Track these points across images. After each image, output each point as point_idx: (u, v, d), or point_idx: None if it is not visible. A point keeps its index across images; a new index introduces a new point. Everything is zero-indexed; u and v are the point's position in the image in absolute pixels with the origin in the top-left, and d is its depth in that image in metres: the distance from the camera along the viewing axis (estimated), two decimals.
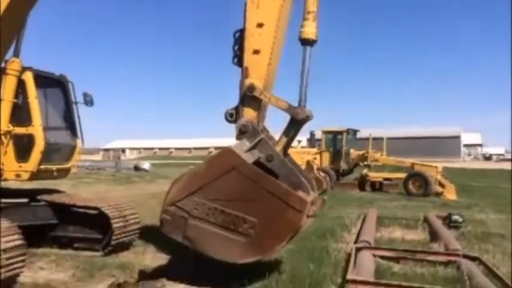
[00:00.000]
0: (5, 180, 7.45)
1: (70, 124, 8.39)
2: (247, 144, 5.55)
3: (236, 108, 5.90)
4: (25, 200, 8.17)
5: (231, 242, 5.32)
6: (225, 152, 5.53)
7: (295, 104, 5.71)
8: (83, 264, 6.90)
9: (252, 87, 5.68)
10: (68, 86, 8.37)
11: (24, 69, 7.35)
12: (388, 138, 24.85)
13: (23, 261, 5.62)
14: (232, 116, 5.90)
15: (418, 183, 19.79)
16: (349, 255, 6.74)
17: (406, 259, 6.96)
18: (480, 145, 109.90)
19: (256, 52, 5.71)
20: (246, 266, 6.77)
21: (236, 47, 5.93)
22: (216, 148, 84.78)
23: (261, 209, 5.24)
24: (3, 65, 7.10)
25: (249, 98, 5.74)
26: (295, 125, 5.76)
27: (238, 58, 5.92)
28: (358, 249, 7.00)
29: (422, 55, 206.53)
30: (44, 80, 7.85)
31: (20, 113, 7.36)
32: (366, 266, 6.12)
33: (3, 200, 7.83)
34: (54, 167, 7.93)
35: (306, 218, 5.36)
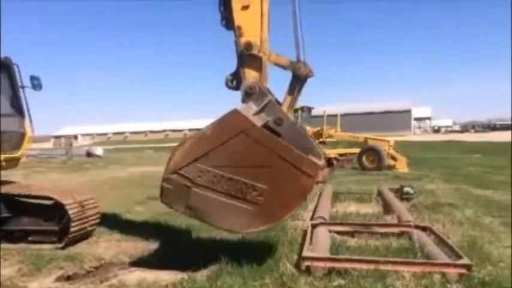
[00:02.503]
0: None
1: (18, 110, 7.78)
2: (254, 107, 5.23)
3: (236, 73, 5.59)
4: None
5: (238, 210, 5.07)
6: (232, 114, 5.11)
7: None
8: (29, 258, 6.56)
9: (249, 45, 5.37)
10: (13, 68, 7.72)
11: None
12: (342, 115, 25.25)
13: None
14: (233, 82, 5.61)
15: (371, 158, 20.29)
16: (306, 232, 6.76)
17: (361, 233, 7.07)
18: (429, 118, 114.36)
19: (245, 8, 5.39)
20: (200, 249, 6.71)
21: (222, 8, 5.64)
22: (172, 131, 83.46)
23: (271, 175, 4.97)
24: None
25: (248, 57, 5.43)
26: (298, 82, 5.46)
27: (226, 19, 5.63)
28: (314, 226, 7.03)
29: (368, 28, 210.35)
30: None
31: None
32: (321, 242, 6.14)
33: None
34: (2, 157, 7.36)
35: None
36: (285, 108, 5.45)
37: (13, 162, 7.79)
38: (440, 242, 6.16)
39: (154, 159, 33.21)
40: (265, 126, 5.17)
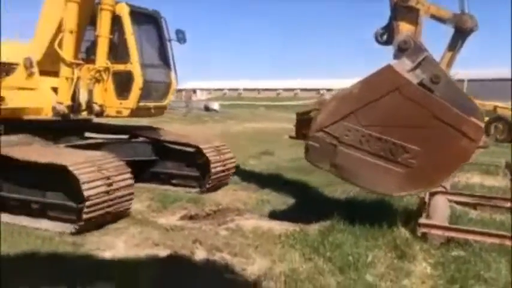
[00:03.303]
0: (107, 116, 7.65)
1: (165, 61, 8.17)
2: (408, 63, 4.81)
3: (387, 26, 5.36)
4: (125, 137, 8.43)
5: (388, 172, 4.84)
6: (386, 70, 4.77)
7: None
8: (157, 196, 7.27)
9: None
10: (162, 21, 8.06)
11: (117, 3, 7.23)
12: (469, 80, 23.11)
13: (131, 198, 5.88)
14: (383, 36, 5.41)
15: (501, 128, 18.48)
16: (423, 199, 6.47)
17: (484, 205, 6.56)
18: None
19: None
20: (312, 203, 6.81)
21: None
22: (284, 89, 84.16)
23: (426, 136, 4.67)
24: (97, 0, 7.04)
25: (404, 9, 5.12)
26: (461, 37, 5.13)
27: None
28: (432, 194, 6.68)
29: None
30: (138, 16, 7.62)
31: (117, 50, 7.37)
32: (440, 210, 5.83)
33: (105, 136, 8.30)
34: (151, 105, 7.92)
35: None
36: (443, 65, 5.07)
37: (160, 111, 8.35)
38: None
39: (267, 116, 33.95)
40: (420, 84, 4.77)
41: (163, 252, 4.86)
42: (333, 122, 4.96)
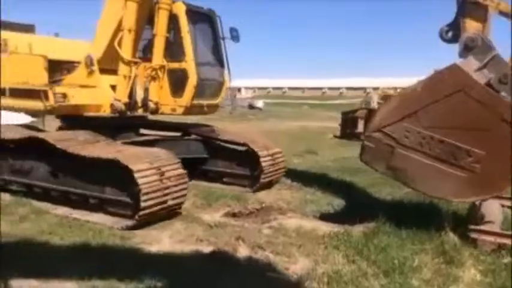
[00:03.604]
0: (161, 114, 7.81)
1: (219, 60, 8.25)
2: (475, 62, 4.61)
3: (453, 23, 5.21)
4: (178, 134, 8.60)
5: (448, 176, 4.68)
6: (451, 70, 4.58)
7: None
8: (201, 193, 7.39)
9: None
10: (216, 20, 8.17)
11: (174, 2, 7.36)
12: None
13: (185, 189, 5.96)
14: (448, 34, 5.26)
15: None
16: (473, 203, 6.22)
17: None
18: None
19: None
20: (358, 204, 6.71)
21: None
22: (329, 88, 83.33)
23: (492, 139, 4.48)
24: None
25: (471, 6, 4.98)
26: None
27: None
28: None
29: None
30: (194, 14, 7.72)
31: (172, 48, 7.49)
32: (492, 215, 5.56)
33: (158, 133, 8.52)
34: (204, 103, 8.02)
35: None
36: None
37: (213, 109, 8.45)
38: None
39: (311, 115, 33.72)
40: (488, 84, 4.56)
41: (207, 248, 4.95)
42: (392, 122, 4.82)
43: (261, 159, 7.52)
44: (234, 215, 6.46)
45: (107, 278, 3.91)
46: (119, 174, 5.56)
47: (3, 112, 7.51)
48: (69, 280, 3.91)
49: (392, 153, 4.86)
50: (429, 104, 4.63)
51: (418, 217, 5.51)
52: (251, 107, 37.80)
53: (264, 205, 6.88)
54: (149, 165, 5.56)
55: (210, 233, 5.43)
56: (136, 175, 5.32)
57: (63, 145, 6.00)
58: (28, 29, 8.78)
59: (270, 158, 7.73)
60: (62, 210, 6.08)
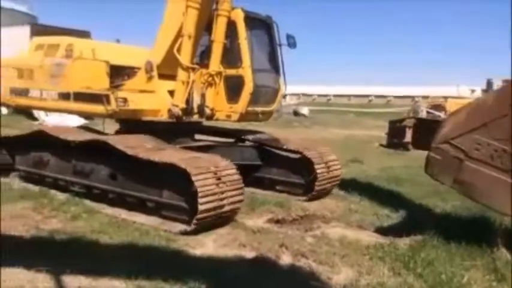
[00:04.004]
0: (216, 120, 7.86)
1: (275, 67, 8.23)
2: None
3: None
4: (232, 140, 8.60)
5: None
6: None
7: None
8: (245, 199, 7.40)
9: None
10: (274, 27, 8.13)
11: (233, 9, 7.42)
12: None
13: (241, 194, 5.90)
14: None
15: None
16: None
17: None
18: None
19: None
20: (404, 216, 6.53)
21: None
22: (376, 96, 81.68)
23: None
24: (214, 6, 7.28)
25: None
26: None
27: None
28: None
29: None
30: (252, 21, 7.74)
31: (229, 55, 7.55)
32: None
33: (213, 139, 8.53)
34: (259, 110, 8.01)
35: None
36: None
37: (267, 116, 8.42)
38: None
39: (357, 123, 33.20)
40: None
41: (250, 254, 4.98)
42: (461, 133, 4.65)
43: (316, 167, 7.36)
44: (277, 222, 6.45)
45: (152, 278, 4.00)
46: (177, 178, 5.58)
47: (56, 114, 7.71)
48: (117, 279, 4.03)
49: (461, 167, 4.65)
50: (502, 116, 4.43)
51: (468, 231, 5.30)
52: (296, 113, 37.65)
53: (307, 213, 6.83)
54: (207, 169, 5.56)
55: (253, 239, 5.44)
56: (194, 178, 5.32)
57: (133, 152, 5.99)
58: (84, 35, 9.15)
59: (324, 165, 7.56)
60: (111, 210, 6.28)
